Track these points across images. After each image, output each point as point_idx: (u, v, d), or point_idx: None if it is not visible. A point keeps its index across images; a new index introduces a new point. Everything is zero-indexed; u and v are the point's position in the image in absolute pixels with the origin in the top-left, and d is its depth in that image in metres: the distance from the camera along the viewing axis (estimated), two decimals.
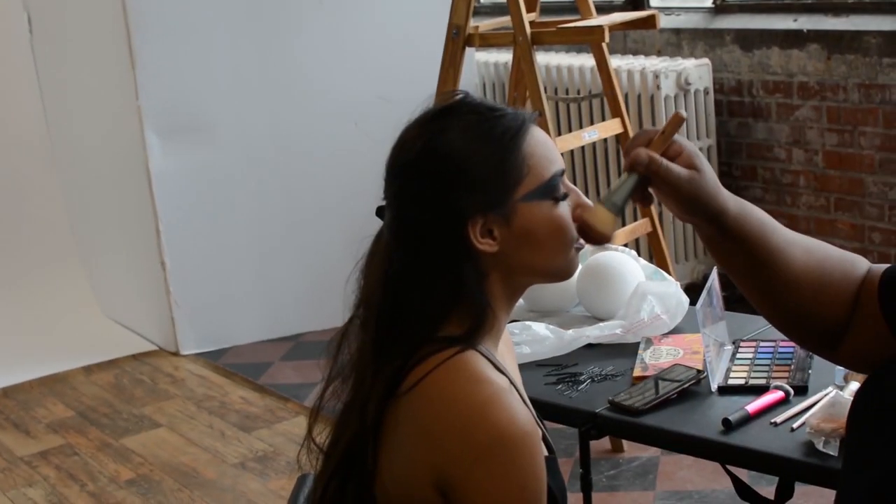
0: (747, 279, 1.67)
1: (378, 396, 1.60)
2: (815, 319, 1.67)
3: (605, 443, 4.06)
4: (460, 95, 1.69)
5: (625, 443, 4.07)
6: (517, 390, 1.64)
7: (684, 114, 1.68)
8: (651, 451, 4.02)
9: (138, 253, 5.58)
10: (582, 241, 1.68)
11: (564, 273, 1.69)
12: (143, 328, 5.71)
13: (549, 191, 1.64)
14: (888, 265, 1.67)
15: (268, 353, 5.36)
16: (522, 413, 1.54)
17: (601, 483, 3.84)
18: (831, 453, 2.10)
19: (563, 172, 1.67)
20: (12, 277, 6.18)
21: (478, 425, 1.52)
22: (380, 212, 1.69)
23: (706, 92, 5.13)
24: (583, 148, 5.36)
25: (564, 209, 1.65)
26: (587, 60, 5.22)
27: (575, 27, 4.10)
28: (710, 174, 1.63)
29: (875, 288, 1.64)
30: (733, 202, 1.64)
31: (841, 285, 1.66)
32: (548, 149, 1.66)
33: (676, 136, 1.64)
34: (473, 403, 1.53)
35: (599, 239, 1.66)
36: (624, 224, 5.12)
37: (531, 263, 1.65)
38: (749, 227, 1.64)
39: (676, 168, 1.61)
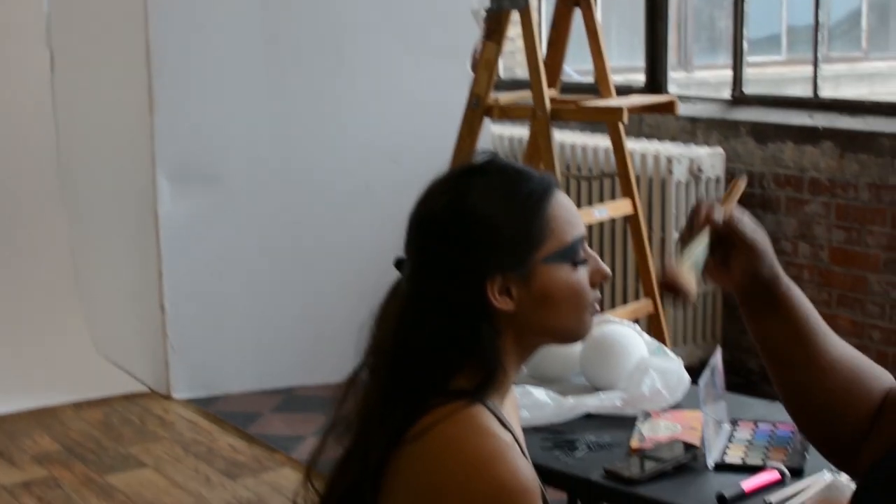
0: (786, 355, 1.69)
1: (382, 444, 1.61)
2: (839, 415, 1.67)
3: None
4: (489, 156, 1.71)
5: None
6: (520, 447, 1.65)
7: (744, 180, 1.73)
8: None
9: (138, 294, 5.58)
10: (597, 306, 1.70)
11: (578, 335, 1.70)
12: (136, 369, 5.70)
13: (570, 254, 1.66)
14: None
15: (259, 404, 5.35)
16: (525, 468, 1.56)
17: None
18: None
19: (584, 238, 1.69)
20: (9, 309, 6.17)
21: (481, 478, 1.53)
22: (398, 264, 1.70)
23: (717, 181, 5.17)
24: (590, 226, 5.39)
25: (583, 274, 1.67)
26: (602, 140, 5.27)
27: (595, 106, 4.15)
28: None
29: None
30: (783, 271, 1.70)
31: (870, 385, 1.68)
32: (571, 213, 1.68)
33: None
34: (478, 456, 1.54)
35: (686, 298, 1.66)
36: (625, 302, 5.15)
37: (546, 324, 1.66)
38: (797, 298, 1.69)
39: (749, 222, 1.67)
